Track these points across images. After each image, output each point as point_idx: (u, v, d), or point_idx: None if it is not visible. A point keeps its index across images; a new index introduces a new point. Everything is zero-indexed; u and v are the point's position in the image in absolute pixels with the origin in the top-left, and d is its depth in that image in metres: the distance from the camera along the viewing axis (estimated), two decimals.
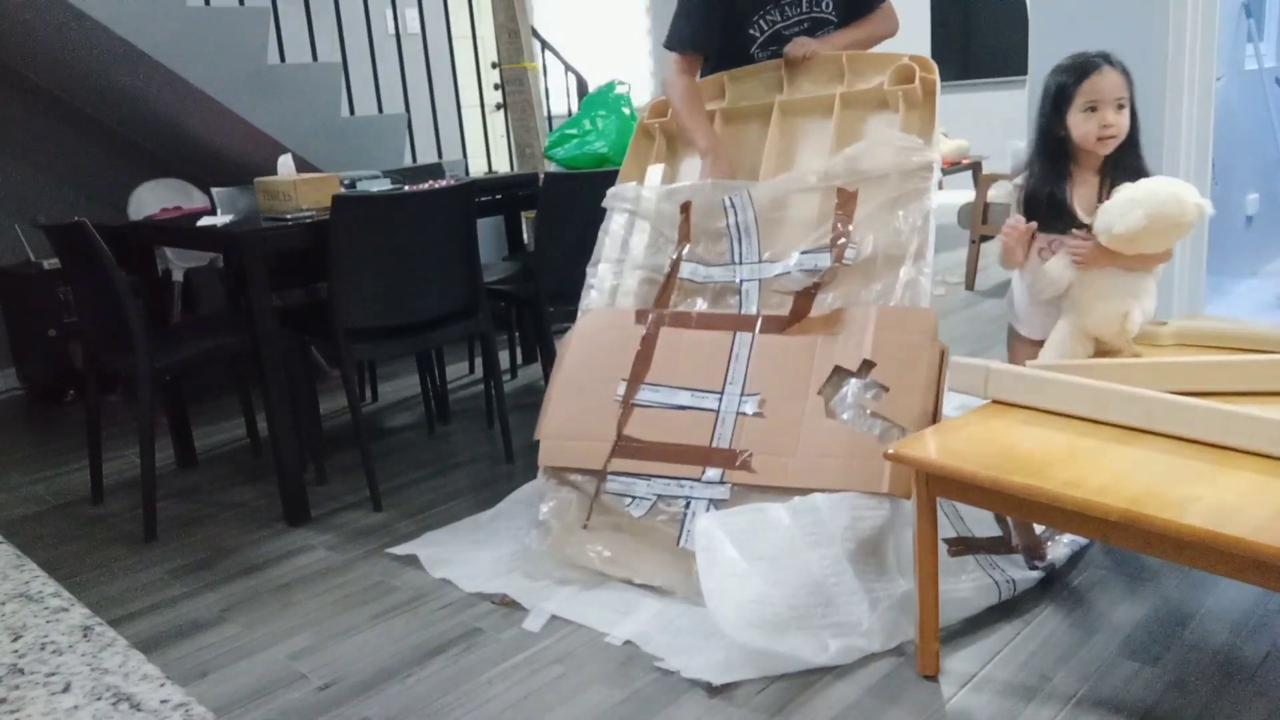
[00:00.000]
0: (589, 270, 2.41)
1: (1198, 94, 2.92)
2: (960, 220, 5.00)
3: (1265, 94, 4.13)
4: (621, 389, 2.20)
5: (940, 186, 6.56)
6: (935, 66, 2.31)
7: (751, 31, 2.51)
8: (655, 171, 2.50)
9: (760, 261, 2.26)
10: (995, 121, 6.72)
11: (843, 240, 2.16)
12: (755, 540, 1.80)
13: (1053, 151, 1.99)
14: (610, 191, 2.50)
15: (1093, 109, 1.93)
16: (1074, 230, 1.91)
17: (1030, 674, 1.67)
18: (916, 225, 2.13)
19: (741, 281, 2.25)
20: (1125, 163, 1.96)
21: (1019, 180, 2.08)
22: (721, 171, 2.38)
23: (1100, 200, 1.95)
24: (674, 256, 2.34)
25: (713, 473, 2.05)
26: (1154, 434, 1.56)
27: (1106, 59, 1.96)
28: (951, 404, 2.11)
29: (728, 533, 1.80)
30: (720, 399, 2.12)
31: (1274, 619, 1.78)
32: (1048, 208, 1.97)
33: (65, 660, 0.53)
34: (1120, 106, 1.94)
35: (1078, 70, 1.96)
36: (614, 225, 2.44)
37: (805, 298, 2.15)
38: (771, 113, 2.42)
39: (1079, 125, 1.95)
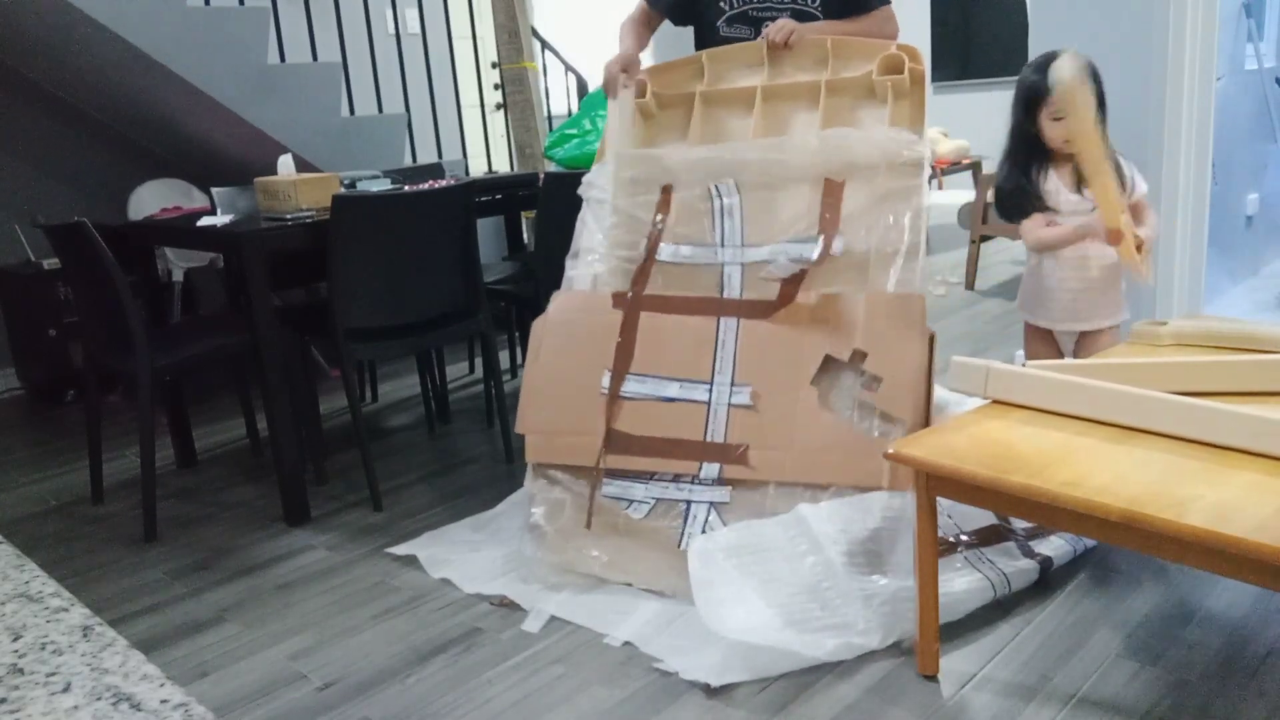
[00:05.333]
0: (568, 263, 2.36)
1: (1198, 94, 2.92)
2: (960, 220, 5.01)
3: (1265, 94, 4.13)
4: (605, 379, 2.15)
5: (940, 186, 6.59)
6: (923, 56, 2.26)
7: (721, 4, 2.50)
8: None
9: (744, 245, 2.19)
10: (995, 121, 6.69)
11: (831, 232, 2.11)
12: (747, 556, 1.80)
13: (1025, 149, 2.21)
14: (585, 179, 2.43)
15: (1059, 118, 2.11)
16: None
17: (1030, 674, 1.67)
18: (908, 224, 2.09)
19: (724, 264, 2.19)
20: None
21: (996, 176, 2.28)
22: (613, 73, 2.44)
23: (1079, 183, 2.15)
24: (652, 229, 2.26)
25: (710, 469, 2.03)
26: (1154, 434, 1.56)
27: (1083, 68, 2.09)
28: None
29: (721, 551, 1.80)
30: (710, 390, 2.08)
31: (1274, 619, 1.78)
32: (1019, 200, 2.20)
33: (65, 660, 0.53)
34: (1059, 118, 2.11)
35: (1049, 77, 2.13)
36: (590, 215, 2.39)
37: (793, 282, 2.09)
38: (754, 98, 2.35)
39: (1049, 129, 2.15)
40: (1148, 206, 2.21)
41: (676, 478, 2.07)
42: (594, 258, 2.33)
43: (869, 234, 2.11)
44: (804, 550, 1.81)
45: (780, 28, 2.35)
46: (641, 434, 2.10)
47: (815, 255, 2.10)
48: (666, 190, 2.30)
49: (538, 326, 2.27)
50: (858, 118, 2.28)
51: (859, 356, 1.99)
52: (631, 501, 2.08)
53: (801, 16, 2.43)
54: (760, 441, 2.01)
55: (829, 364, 2.02)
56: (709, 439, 2.05)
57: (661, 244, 2.25)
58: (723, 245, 2.21)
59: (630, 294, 2.22)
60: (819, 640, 1.72)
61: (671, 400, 2.11)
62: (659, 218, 2.29)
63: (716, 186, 2.25)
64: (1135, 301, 2.44)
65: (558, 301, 2.29)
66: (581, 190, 2.43)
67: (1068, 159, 2.15)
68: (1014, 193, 2.21)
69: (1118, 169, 2.11)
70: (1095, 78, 2.13)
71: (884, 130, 2.17)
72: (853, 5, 2.46)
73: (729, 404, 2.06)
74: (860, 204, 2.14)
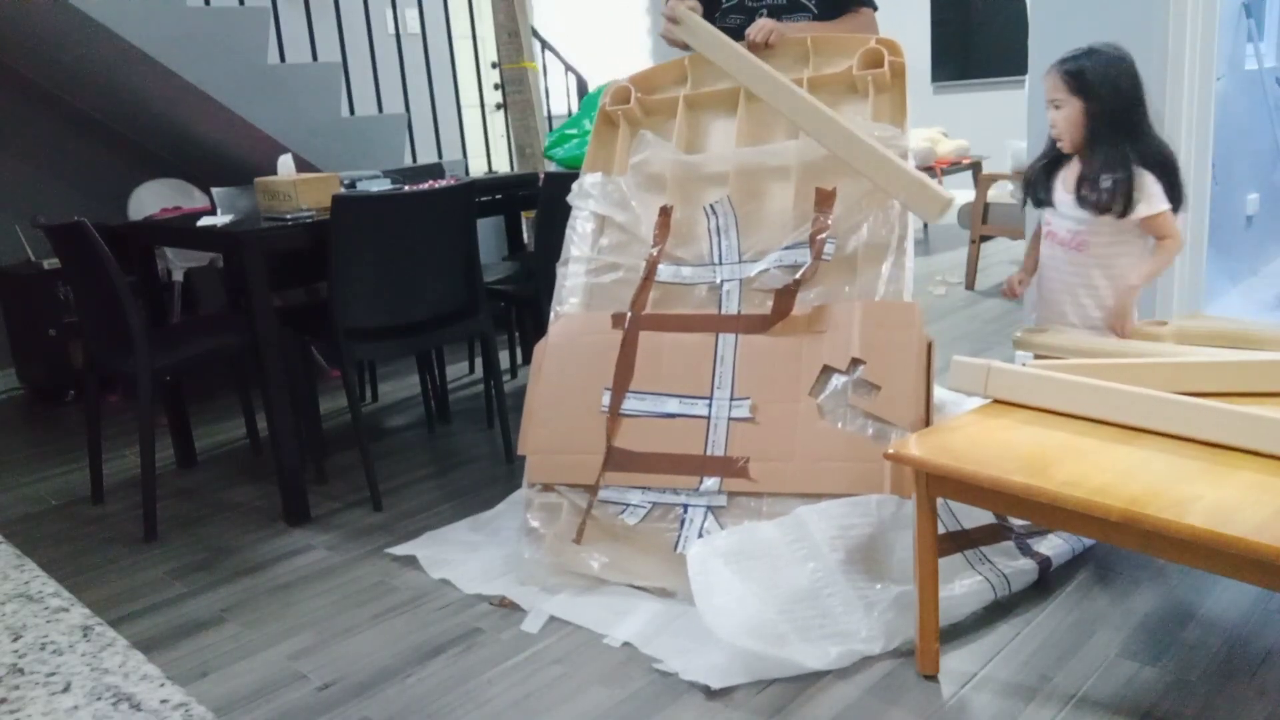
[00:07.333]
0: (559, 270, 2.35)
1: (1198, 94, 2.92)
2: (960, 220, 5.01)
3: (1265, 94, 4.13)
4: (606, 398, 2.15)
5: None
6: (903, 49, 2.25)
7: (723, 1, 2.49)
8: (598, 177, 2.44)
9: (740, 261, 2.20)
10: (995, 121, 6.72)
11: (822, 235, 2.11)
12: (746, 561, 1.79)
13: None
14: (575, 186, 2.42)
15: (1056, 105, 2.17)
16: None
17: (1030, 674, 1.67)
18: (895, 217, 2.09)
19: (722, 282, 2.20)
20: (1098, 151, 2.14)
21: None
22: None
23: (1078, 183, 2.16)
24: (649, 255, 2.27)
25: (710, 482, 2.02)
26: (1154, 434, 1.56)
27: (1062, 60, 2.15)
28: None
29: (720, 556, 1.79)
30: (710, 404, 2.08)
31: (1274, 619, 1.78)
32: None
33: (65, 660, 0.53)
34: (1056, 106, 2.15)
35: None
36: (580, 221, 2.38)
37: (787, 296, 2.09)
38: (737, 99, 2.34)
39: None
40: (1160, 242, 2.17)
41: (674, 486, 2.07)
42: (586, 268, 2.33)
43: (857, 231, 2.11)
44: (804, 555, 1.80)
45: (761, 27, 2.35)
46: (642, 450, 2.09)
47: (807, 262, 2.10)
48: (666, 212, 2.29)
49: (538, 349, 2.28)
50: (840, 113, 2.25)
51: (857, 365, 1.99)
52: (628, 506, 2.07)
53: (795, 6, 2.44)
54: (761, 454, 2.00)
55: (827, 373, 2.02)
56: (709, 453, 2.04)
57: (661, 265, 2.26)
58: (720, 263, 2.22)
59: (629, 314, 2.22)
60: (823, 649, 1.71)
61: (672, 416, 2.10)
62: (657, 242, 2.28)
63: (712, 206, 2.26)
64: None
65: (558, 325, 2.28)
66: (571, 198, 2.42)
67: (1076, 151, 2.18)
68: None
69: (1128, 187, 2.09)
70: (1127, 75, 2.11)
71: (866, 125, 2.17)
72: (841, 3, 2.46)
73: (729, 418, 2.05)
74: (847, 202, 2.14)
